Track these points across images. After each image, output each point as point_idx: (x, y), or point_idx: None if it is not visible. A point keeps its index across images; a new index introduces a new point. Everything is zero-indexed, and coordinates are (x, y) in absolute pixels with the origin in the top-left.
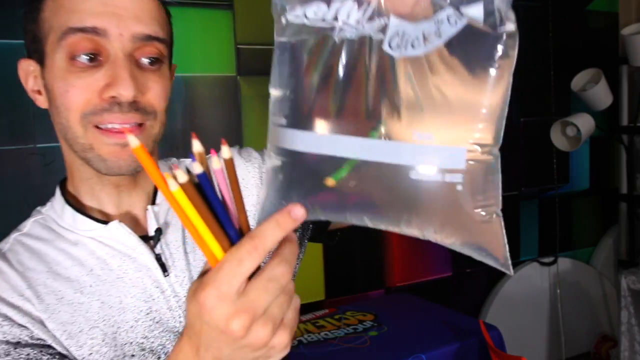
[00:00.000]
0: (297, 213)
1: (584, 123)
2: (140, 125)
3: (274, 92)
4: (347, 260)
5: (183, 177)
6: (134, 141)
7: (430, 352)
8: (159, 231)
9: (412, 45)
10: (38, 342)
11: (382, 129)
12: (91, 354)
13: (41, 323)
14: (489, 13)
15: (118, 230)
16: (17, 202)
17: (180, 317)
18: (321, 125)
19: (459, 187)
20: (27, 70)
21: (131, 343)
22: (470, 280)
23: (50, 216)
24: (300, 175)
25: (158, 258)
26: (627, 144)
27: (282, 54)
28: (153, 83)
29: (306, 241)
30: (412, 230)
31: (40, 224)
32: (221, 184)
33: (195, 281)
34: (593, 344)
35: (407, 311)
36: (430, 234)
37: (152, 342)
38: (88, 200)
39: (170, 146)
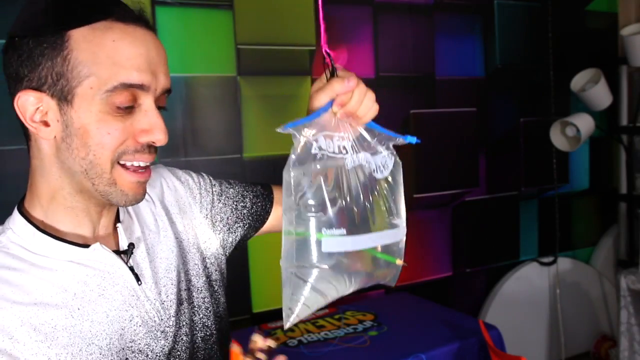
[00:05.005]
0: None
1: (584, 123)
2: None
3: (317, 213)
4: None
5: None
6: (235, 348)
7: (430, 352)
8: (131, 246)
9: (380, 171)
10: None
11: (381, 224)
12: None
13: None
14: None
15: (99, 252)
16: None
17: (155, 316)
18: (356, 229)
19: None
20: (30, 102)
21: (123, 349)
22: (470, 280)
23: (14, 243)
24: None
25: (131, 269)
26: (626, 144)
27: (310, 181)
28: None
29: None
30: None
31: (4, 253)
32: None
33: None
34: (592, 344)
35: (407, 311)
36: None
37: (139, 343)
38: (64, 226)
39: (170, 146)
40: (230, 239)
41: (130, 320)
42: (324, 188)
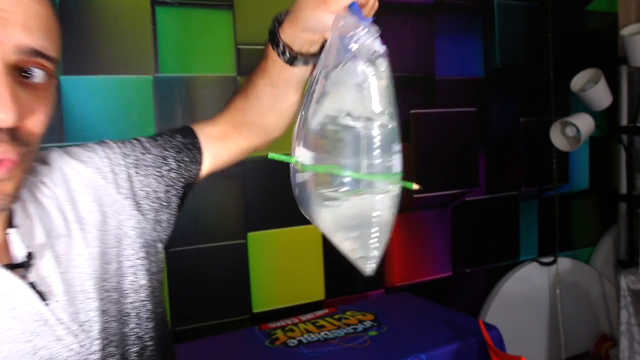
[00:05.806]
0: None
1: (584, 123)
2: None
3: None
4: (346, 260)
5: None
6: None
7: (430, 352)
8: (30, 256)
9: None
10: None
11: None
12: None
13: None
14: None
15: None
16: None
17: (72, 344)
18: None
19: None
20: None
21: None
22: (470, 280)
23: None
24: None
25: (32, 286)
26: (626, 144)
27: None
28: (37, 105)
29: None
30: None
31: None
32: None
33: None
34: (592, 344)
35: (407, 311)
36: None
37: None
38: None
39: None
40: (166, 216)
41: (34, 354)
42: (389, 97)
